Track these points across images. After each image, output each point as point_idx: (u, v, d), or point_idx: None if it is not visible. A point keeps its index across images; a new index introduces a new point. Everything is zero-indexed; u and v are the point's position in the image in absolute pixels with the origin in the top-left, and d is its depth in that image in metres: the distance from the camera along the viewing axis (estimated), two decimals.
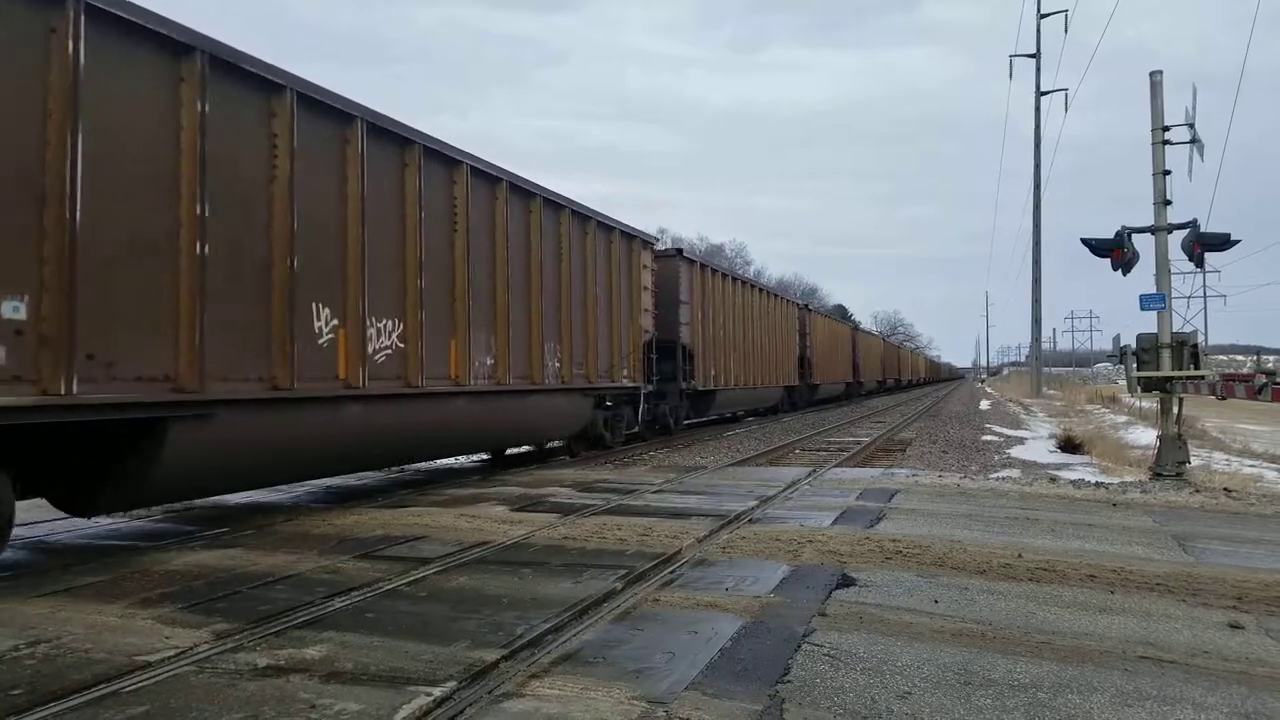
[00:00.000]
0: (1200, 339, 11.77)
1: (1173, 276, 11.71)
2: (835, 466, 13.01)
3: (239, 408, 7.18)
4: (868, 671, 3.93)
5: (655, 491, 9.80)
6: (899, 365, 67.39)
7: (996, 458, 15.45)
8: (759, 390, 25.69)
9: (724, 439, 19.18)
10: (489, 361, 11.07)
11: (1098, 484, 10.57)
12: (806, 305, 33.78)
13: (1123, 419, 25.19)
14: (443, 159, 10.18)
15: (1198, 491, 9.83)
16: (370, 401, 8.74)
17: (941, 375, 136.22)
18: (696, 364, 19.68)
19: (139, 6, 6.38)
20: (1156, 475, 11.19)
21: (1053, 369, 79.01)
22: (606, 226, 14.86)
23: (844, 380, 40.85)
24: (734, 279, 23.79)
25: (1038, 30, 42.82)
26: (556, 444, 14.89)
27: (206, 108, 6.91)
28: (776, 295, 29.67)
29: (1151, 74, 11.75)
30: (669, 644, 4.32)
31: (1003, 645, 4.33)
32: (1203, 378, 13.37)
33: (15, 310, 5.58)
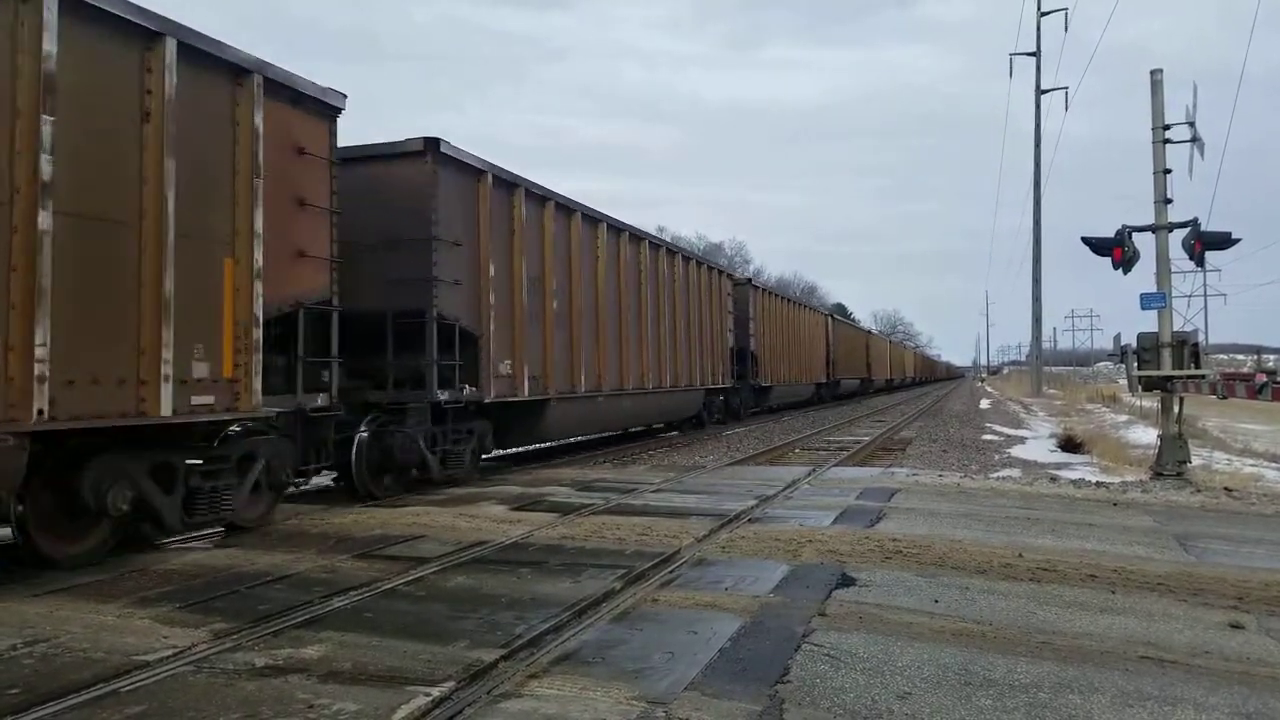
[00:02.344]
0: (1201, 338, 11.77)
1: (1173, 275, 11.70)
2: (835, 465, 13.00)
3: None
4: (868, 672, 3.92)
5: (654, 491, 9.79)
6: (869, 360, 50.60)
7: (997, 457, 15.43)
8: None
9: (723, 438, 19.17)
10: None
11: (1098, 483, 10.56)
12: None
13: (1123, 418, 25.16)
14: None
15: (1198, 491, 9.82)
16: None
17: (939, 374, 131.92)
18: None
19: None
20: (1157, 475, 11.17)
21: (1053, 368, 78.93)
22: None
23: (704, 387, 20.51)
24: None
25: (1038, 28, 42.78)
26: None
27: None
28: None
29: (1152, 72, 11.73)
30: (668, 644, 4.31)
31: (1003, 645, 4.32)
32: (1203, 377, 13.37)
33: None
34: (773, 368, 26.79)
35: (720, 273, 22.49)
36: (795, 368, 30.43)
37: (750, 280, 26.95)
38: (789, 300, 32.17)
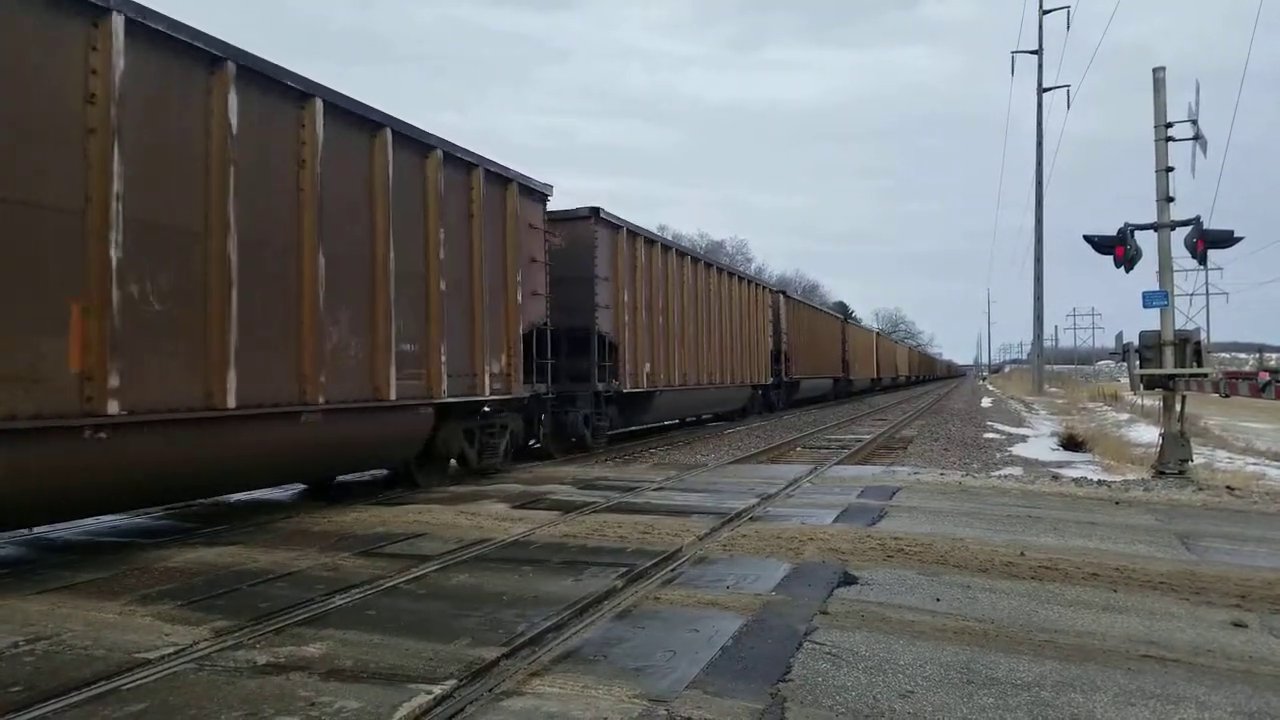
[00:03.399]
0: (1203, 336, 11.77)
1: (1175, 274, 11.69)
2: (836, 464, 12.98)
3: None
4: (870, 670, 3.91)
5: (656, 489, 9.79)
6: (847, 356, 41.67)
7: (998, 455, 15.42)
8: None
9: (724, 436, 19.15)
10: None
11: (1100, 482, 10.54)
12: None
13: (1125, 417, 25.14)
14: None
15: (1201, 490, 9.80)
16: None
17: (939, 373, 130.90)
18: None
19: None
20: (1159, 473, 11.17)
21: (1055, 366, 78.90)
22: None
23: (434, 400, 9.69)
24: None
25: (1040, 26, 42.84)
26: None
27: None
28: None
29: (1154, 70, 11.72)
30: (670, 642, 4.31)
31: (1005, 644, 4.31)
32: (1205, 375, 13.35)
33: None
34: (653, 366, 16.71)
35: (507, 182, 11.29)
36: (708, 365, 20.03)
37: (598, 212, 14.69)
38: (692, 258, 19.80)
